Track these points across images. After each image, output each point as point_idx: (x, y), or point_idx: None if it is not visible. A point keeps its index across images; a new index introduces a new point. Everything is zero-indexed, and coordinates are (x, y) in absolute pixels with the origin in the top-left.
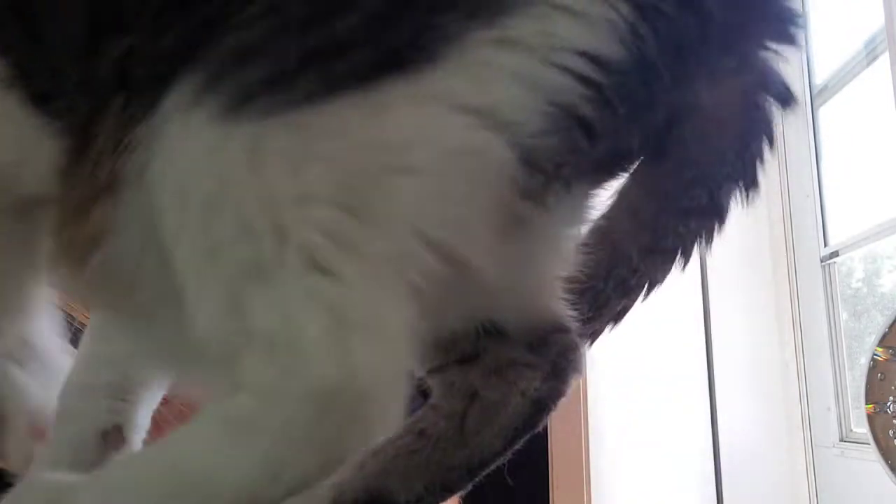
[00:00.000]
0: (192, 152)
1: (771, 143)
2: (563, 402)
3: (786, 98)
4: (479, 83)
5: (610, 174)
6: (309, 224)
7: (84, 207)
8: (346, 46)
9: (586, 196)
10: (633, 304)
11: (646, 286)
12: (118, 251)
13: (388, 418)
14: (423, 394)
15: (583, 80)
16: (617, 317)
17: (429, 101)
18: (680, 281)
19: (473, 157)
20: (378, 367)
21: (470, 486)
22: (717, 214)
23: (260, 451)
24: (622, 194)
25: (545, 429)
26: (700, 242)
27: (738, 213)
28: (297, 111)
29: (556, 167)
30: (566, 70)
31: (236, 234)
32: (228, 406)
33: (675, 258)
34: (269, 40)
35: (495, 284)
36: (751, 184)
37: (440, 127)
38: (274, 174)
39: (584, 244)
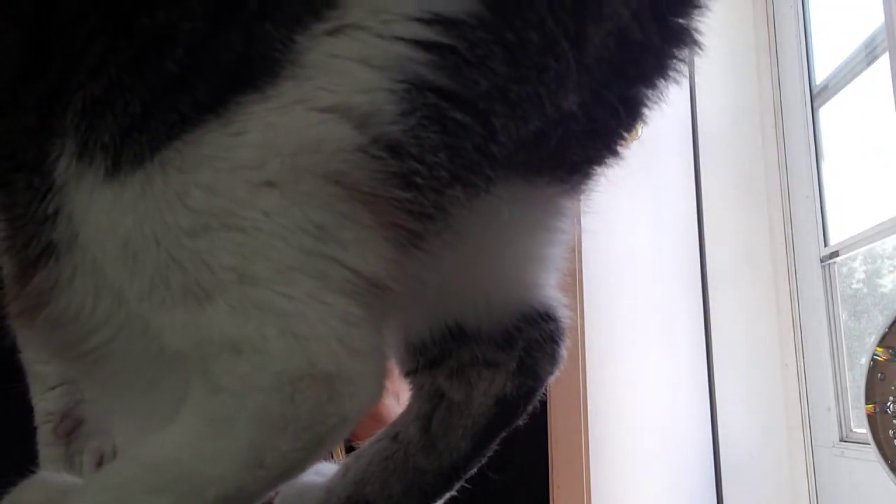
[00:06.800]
0: (100, 213)
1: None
2: (563, 402)
3: None
4: (330, 76)
5: (562, 163)
6: (215, 248)
7: (24, 277)
8: (183, 78)
9: (555, 193)
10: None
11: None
12: (69, 304)
13: (361, 394)
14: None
15: (425, 45)
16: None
17: (289, 109)
18: (680, 280)
19: (320, 154)
20: (334, 350)
21: (452, 492)
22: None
23: (241, 439)
24: None
25: (545, 429)
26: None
27: (738, 212)
28: (166, 149)
29: (433, 153)
30: (403, 40)
31: (165, 268)
32: (207, 405)
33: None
34: (111, 89)
35: (428, 289)
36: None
37: (292, 132)
38: (168, 209)
39: None
